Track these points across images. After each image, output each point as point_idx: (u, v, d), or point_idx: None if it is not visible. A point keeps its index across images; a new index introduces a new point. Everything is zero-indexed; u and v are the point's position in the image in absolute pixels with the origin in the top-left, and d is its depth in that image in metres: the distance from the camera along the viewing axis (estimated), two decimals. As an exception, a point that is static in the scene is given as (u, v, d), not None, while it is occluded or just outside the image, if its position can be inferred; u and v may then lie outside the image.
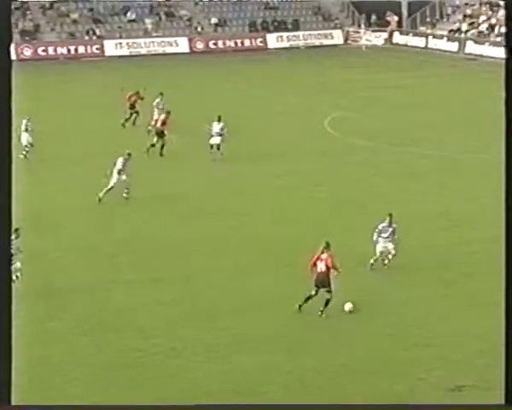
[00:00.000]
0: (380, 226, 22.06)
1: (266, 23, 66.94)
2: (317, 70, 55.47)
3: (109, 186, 27.44)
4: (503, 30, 66.00)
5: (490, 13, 64.44)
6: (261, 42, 65.21)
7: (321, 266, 19.57)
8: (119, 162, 27.75)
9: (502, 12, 63.50)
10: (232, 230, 25.69)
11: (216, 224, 26.13)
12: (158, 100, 36.20)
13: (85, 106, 43.44)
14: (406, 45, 65.61)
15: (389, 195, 28.96)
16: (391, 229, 22.00)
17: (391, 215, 22.11)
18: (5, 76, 7.04)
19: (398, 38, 66.95)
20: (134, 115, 37.57)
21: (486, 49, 60.35)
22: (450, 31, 64.98)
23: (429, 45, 64.21)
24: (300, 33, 66.41)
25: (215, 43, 64.25)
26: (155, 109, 35.36)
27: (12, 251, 17.03)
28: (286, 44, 65.47)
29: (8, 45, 7.12)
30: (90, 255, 23.58)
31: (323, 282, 19.52)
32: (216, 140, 32.58)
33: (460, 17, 66.16)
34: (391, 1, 67.72)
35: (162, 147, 32.96)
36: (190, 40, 63.87)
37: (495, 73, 53.49)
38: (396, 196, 28.87)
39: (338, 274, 19.75)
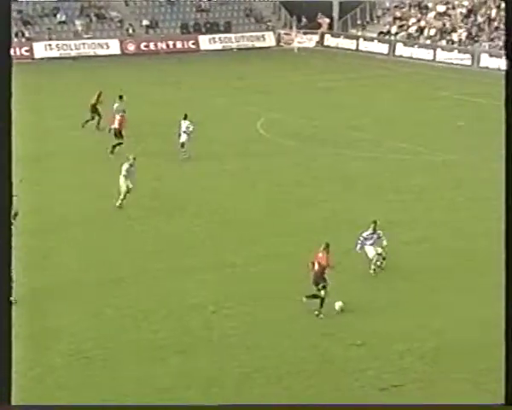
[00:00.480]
0: (364, 234, 22.42)
1: (198, 25, 66.98)
2: (250, 72, 55.70)
3: (124, 191, 27.13)
4: (432, 32, 67.39)
5: (419, 15, 65.47)
6: (193, 44, 65.23)
7: (316, 266, 20.40)
8: (124, 168, 27.44)
9: (430, 14, 64.65)
10: (155, 230, 25.74)
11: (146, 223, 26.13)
12: (117, 104, 35.98)
13: (23, 109, 42.80)
14: (337, 47, 66.20)
15: (320, 196, 29.32)
16: (375, 236, 22.38)
17: (375, 222, 22.44)
18: (5, 76, 7.06)
19: (329, 40, 67.52)
20: (97, 118, 37.30)
21: (416, 52, 61.31)
22: (381, 33, 65.79)
23: (360, 47, 64.89)
24: (233, 35, 66.62)
25: (147, 45, 64.04)
26: (115, 112, 35.19)
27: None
28: (218, 46, 65.60)
29: (9, 46, 7.14)
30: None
31: (317, 280, 20.22)
32: (183, 138, 33.30)
33: (390, 19, 67.08)
34: (322, 3, 68.36)
35: (114, 146, 33.69)
36: (121, 42, 63.55)
37: (424, 75, 54.68)
38: (327, 196, 29.25)
39: (329, 272, 20.38)
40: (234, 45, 65.94)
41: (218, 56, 62.13)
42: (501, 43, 57.97)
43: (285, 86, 50.19)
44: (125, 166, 27.52)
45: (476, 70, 55.86)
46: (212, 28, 66.89)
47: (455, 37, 61.19)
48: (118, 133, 33.98)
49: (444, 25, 62.87)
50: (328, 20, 68.61)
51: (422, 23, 64.41)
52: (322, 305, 20.16)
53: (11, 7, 7.53)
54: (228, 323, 19.79)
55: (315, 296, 20.24)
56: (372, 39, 64.87)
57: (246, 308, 20.52)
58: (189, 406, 12.81)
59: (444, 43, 61.28)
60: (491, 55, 56.64)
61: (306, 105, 44.80)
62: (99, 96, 37.36)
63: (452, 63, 58.21)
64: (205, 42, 65.46)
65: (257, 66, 58.68)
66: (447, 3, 64.89)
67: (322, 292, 20.18)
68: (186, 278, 22.21)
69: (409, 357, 18.42)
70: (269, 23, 68.89)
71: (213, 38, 66.01)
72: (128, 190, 27.20)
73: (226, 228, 26.14)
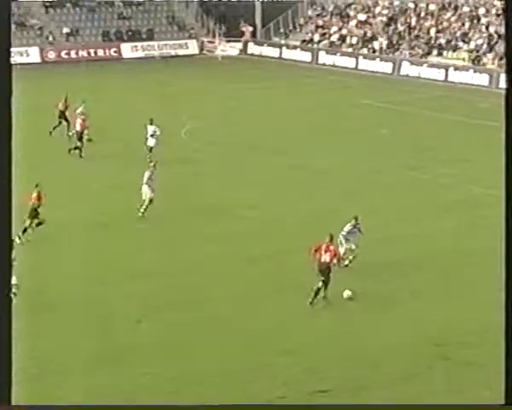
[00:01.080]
0: (346, 229, 22.94)
1: (120, 32, 66.69)
2: (173, 80, 55.66)
3: (148, 200, 27.10)
4: (354, 41, 68.24)
5: (341, 24, 66.34)
6: (115, 51, 64.91)
7: (325, 257, 20.75)
8: (146, 175, 27.35)
9: (352, 23, 65.57)
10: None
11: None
12: (81, 108, 36.06)
13: None
14: (261, 55, 66.57)
15: (248, 201, 29.50)
16: (356, 230, 23.04)
17: (356, 218, 23.07)
18: (6, 77, 7.12)
19: (252, 48, 67.87)
20: (65, 124, 37.12)
21: (338, 60, 62.05)
22: (303, 41, 66.41)
23: (283, 55, 65.38)
24: (155, 43, 66.51)
25: (67, 53, 63.49)
26: (78, 116, 35.36)
27: None
28: (141, 54, 65.42)
29: (8, 46, 7.20)
30: None
31: (324, 272, 20.70)
32: (150, 142, 33.93)
33: (312, 28, 67.77)
34: (245, 11, 68.74)
35: (78, 148, 34.44)
36: (42, 50, 62.91)
37: (347, 83, 55.40)
38: (257, 202, 29.49)
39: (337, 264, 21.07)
40: (157, 53, 65.83)
41: (140, 64, 61.95)
42: (421, 51, 59.18)
43: (208, 94, 50.30)
44: (147, 173, 27.43)
45: (397, 78, 56.82)
46: (135, 36, 66.68)
47: (376, 45, 62.18)
48: (80, 135, 34.62)
49: (365, 33, 63.84)
50: (251, 29, 69.01)
51: (344, 31, 65.25)
52: (316, 295, 20.70)
53: (11, 7, 7.60)
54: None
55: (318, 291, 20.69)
56: (295, 47, 65.42)
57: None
58: (189, 406, 12.99)
59: (365, 51, 62.20)
60: (411, 64, 57.70)
61: (230, 113, 45.00)
62: (66, 100, 37.24)
63: (374, 71, 59.08)
64: (127, 50, 65.21)
65: (180, 74, 58.66)
66: (368, 12, 65.91)
67: (320, 284, 20.64)
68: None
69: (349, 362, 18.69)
70: (192, 31, 68.98)
71: (135, 46, 65.80)
72: (151, 199, 27.16)
73: (144, 236, 26.10)
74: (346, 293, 21.14)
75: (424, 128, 41.82)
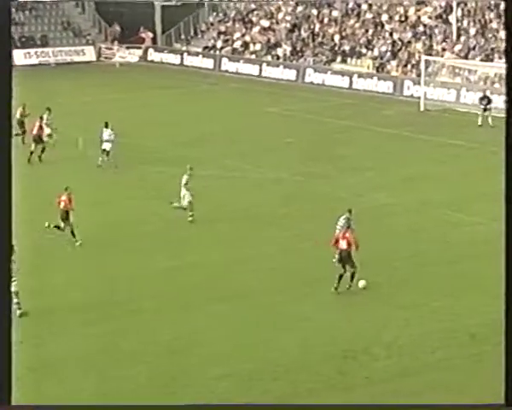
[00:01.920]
0: (342, 220, 24.06)
1: (13, 39, 65.16)
2: (70, 89, 54.56)
3: (186, 204, 28.06)
4: (258, 47, 68.41)
5: (244, 30, 66.27)
6: (8, 58, 63.38)
7: (342, 244, 22.36)
8: (184, 179, 28.30)
9: (255, 29, 65.56)
10: None
11: None
12: (45, 115, 37.25)
13: None
14: (162, 62, 66.12)
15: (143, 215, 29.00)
16: (352, 222, 24.10)
17: (350, 211, 24.21)
18: (6, 78, 7.55)
19: (153, 54, 67.33)
20: (21, 131, 37.31)
21: (242, 67, 61.97)
22: (205, 47, 66.18)
23: (185, 62, 65.05)
24: (50, 50, 65.20)
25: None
26: (44, 125, 36.60)
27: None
28: (35, 61, 64.06)
29: (9, 46, 7.60)
30: None
31: (346, 258, 22.19)
32: (106, 146, 34.84)
33: (214, 34, 67.56)
34: (145, 17, 68.02)
35: (42, 151, 35.72)
36: None
37: (251, 91, 55.25)
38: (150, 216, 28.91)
39: (356, 250, 22.25)
40: (51, 60, 64.56)
41: (33, 72, 60.53)
42: (325, 58, 59.49)
43: (104, 104, 49.35)
44: (185, 177, 28.34)
45: (301, 85, 56.97)
46: (28, 42, 65.25)
47: (280, 52, 62.28)
48: (36, 139, 35.80)
49: (268, 40, 63.88)
50: (151, 35, 68.42)
51: (247, 38, 65.21)
52: (352, 279, 22.31)
53: (11, 8, 7.93)
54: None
55: (340, 278, 22.19)
56: (197, 54, 65.16)
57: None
58: (189, 406, 13.28)
59: (269, 58, 62.24)
60: (315, 71, 57.95)
61: (129, 123, 44.13)
62: (24, 108, 37.59)
63: (278, 78, 59.16)
64: (20, 57, 63.69)
65: (77, 82, 57.57)
66: (271, 18, 66.00)
67: (353, 269, 22.19)
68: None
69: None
70: (89, 37, 67.89)
71: (29, 53, 64.40)
72: (190, 202, 28.05)
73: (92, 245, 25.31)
74: (362, 283, 22.40)
75: (330, 137, 41.91)
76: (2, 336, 7.78)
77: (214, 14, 69.75)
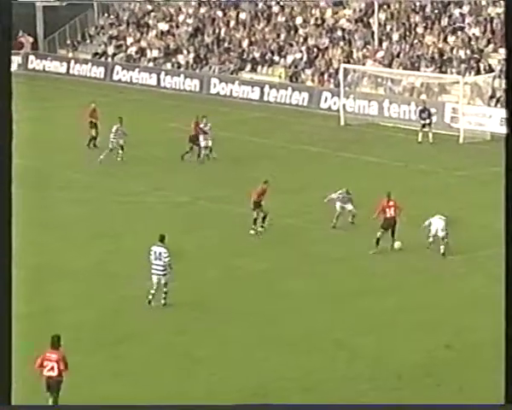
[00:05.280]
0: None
1: None
2: None
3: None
4: (155, 54, 67.06)
5: (139, 35, 65.05)
6: None
7: (390, 212, 27.26)
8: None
9: (152, 34, 64.42)
10: None
11: None
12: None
13: None
14: (44, 71, 64.88)
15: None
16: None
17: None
18: (6, 78, 8.14)
19: (34, 62, 65.83)
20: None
21: (137, 76, 60.88)
22: (95, 54, 64.95)
23: (72, 71, 63.93)
24: None
25: None
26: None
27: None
28: None
29: (9, 47, 8.22)
30: None
31: (392, 224, 27.26)
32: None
33: (105, 39, 66.24)
34: (23, 19, 65.77)
35: None
36: None
37: (149, 103, 53.98)
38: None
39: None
40: None
41: None
42: (232, 67, 58.61)
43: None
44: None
45: (206, 97, 56.02)
46: None
47: (181, 59, 61.24)
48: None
49: (168, 46, 62.80)
50: (31, 39, 66.78)
51: (143, 43, 64.08)
52: (378, 243, 27.36)
53: (12, 8, 8.53)
54: None
55: (378, 241, 27.26)
56: (86, 62, 64.09)
57: None
58: (189, 406, 14.06)
59: (169, 66, 61.16)
60: (221, 81, 57.06)
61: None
62: (94, 109, 38.98)
63: (179, 89, 58.27)
64: None
65: None
66: (170, 21, 64.92)
67: (379, 233, 27.29)
68: None
69: None
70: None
71: None
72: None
73: None
74: (397, 244, 27.20)
75: (238, 155, 41.04)
76: (3, 336, 8.32)
77: (105, 16, 68.54)
